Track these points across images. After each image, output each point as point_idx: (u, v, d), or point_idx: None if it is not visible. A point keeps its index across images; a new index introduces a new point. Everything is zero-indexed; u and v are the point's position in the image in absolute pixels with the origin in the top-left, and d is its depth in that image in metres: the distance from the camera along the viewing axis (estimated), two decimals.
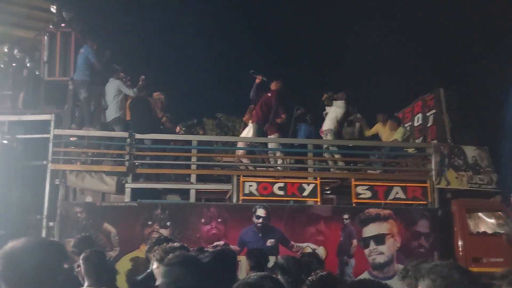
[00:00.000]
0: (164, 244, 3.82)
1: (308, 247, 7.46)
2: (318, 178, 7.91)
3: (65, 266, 2.01)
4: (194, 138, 8.66)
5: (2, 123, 7.85)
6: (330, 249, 7.52)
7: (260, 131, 8.56)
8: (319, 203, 7.84)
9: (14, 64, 8.22)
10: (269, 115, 8.53)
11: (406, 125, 10.09)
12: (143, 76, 8.43)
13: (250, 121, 9.16)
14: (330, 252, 7.50)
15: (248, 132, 9.01)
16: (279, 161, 8.57)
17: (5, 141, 7.51)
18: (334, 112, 8.93)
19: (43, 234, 7.31)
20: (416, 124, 10.22)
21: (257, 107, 8.74)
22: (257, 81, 8.84)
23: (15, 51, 8.29)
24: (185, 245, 3.45)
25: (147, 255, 4.16)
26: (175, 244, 3.38)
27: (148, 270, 4.07)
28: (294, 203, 7.89)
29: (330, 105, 9.13)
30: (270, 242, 7.44)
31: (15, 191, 7.66)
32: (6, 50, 8.30)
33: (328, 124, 8.90)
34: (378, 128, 9.57)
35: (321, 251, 7.43)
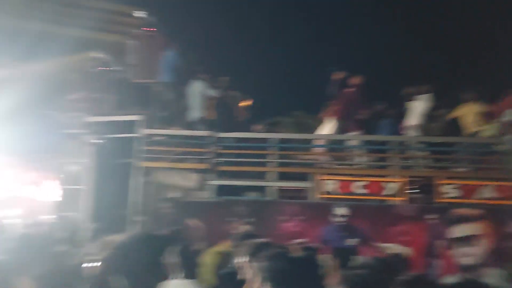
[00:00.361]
0: (251, 240, 3.88)
1: (392, 247, 7.19)
2: (403, 177, 7.60)
3: (177, 260, 2.12)
4: (273, 136, 8.71)
5: (95, 124, 8.44)
6: (415, 250, 7.17)
7: (341, 128, 8.41)
8: (403, 203, 7.54)
9: (104, 68, 8.77)
10: (350, 111, 8.35)
11: (495, 121, 9.40)
12: (225, 77, 8.66)
13: (330, 118, 9.03)
14: (416, 253, 7.17)
15: (328, 128, 8.89)
16: (361, 159, 8.36)
17: (96, 141, 8.05)
18: (418, 106, 8.53)
19: (133, 228, 7.74)
20: (506, 119, 9.48)
21: (338, 103, 8.60)
22: (336, 77, 8.70)
23: (105, 56, 8.85)
24: (271, 241, 3.46)
25: (233, 250, 4.24)
26: (262, 240, 3.41)
27: (234, 265, 4.17)
28: (376, 202, 7.65)
29: (414, 99, 8.74)
30: (351, 241, 7.28)
31: (108, 187, 8.20)
32: (97, 55, 8.88)
33: (413, 119, 8.52)
34: (463, 109, 8.93)
35: (406, 251, 7.13)
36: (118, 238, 2.03)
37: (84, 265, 3.40)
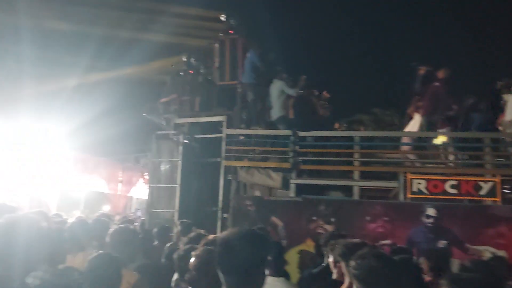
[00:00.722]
0: (343, 240, 3.85)
1: (487, 251, 6.77)
2: (498, 176, 7.12)
3: (269, 258, 2.15)
4: (356, 134, 8.55)
5: (183, 125, 8.85)
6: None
7: (429, 124, 8.05)
8: (499, 203, 7.05)
9: (191, 72, 9.16)
10: (438, 106, 7.96)
11: None
12: (304, 76, 8.64)
13: (416, 114, 8.68)
14: None
15: (414, 125, 8.55)
16: (451, 157, 7.95)
17: (186, 141, 8.43)
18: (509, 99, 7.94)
19: (218, 225, 8.01)
20: None
21: (425, 99, 8.24)
22: (421, 72, 8.35)
23: (192, 60, 9.23)
24: (365, 241, 3.41)
25: (322, 249, 4.24)
26: (355, 240, 3.37)
27: (323, 264, 4.16)
28: (469, 202, 7.23)
29: (508, 93, 8.13)
30: (442, 243, 6.95)
31: (195, 185, 8.56)
32: (184, 59, 9.28)
33: (509, 114, 7.94)
34: None
35: (502, 255, 6.67)
36: (225, 234, 2.09)
37: (179, 260, 3.57)
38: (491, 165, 7.48)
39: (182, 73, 9.34)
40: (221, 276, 1.99)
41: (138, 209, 15.64)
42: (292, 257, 7.23)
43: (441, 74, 8.22)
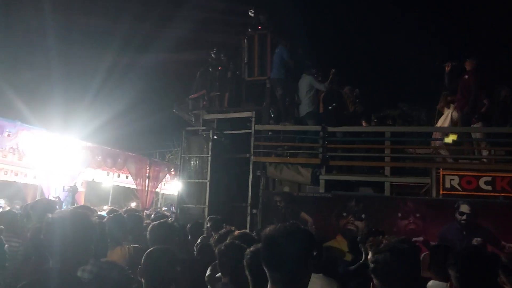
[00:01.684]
0: (380, 236, 3.82)
1: None
2: None
3: (314, 253, 2.15)
4: (386, 129, 8.44)
5: (212, 121, 8.91)
6: None
7: (463, 119, 7.88)
8: None
9: (220, 67, 9.19)
10: (469, 99, 7.78)
11: None
12: (334, 70, 8.57)
13: (446, 109, 8.51)
14: None
15: (444, 121, 8.39)
16: (485, 153, 7.78)
17: (215, 137, 8.48)
18: None
19: (248, 220, 8.05)
20: None
21: (457, 95, 8.07)
22: (447, 69, 8.17)
23: (221, 55, 9.27)
24: (405, 238, 3.36)
25: (358, 246, 4.23)
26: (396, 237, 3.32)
27: (361, 261, 4.15)
28: (504, 199, 7.08)
29: None
30: (476, 240, 6.81)
31: (224, 180, 8.62)
32: (213, 54, 9.32)
33: None
34: None
35: None
36: (269, 230, 2.09)
37: (220, 255, 3.61)
38: None
39: (211, 69, 9.38)
40: (267, 272, 1.98)
41: (172, 204, 15.82)
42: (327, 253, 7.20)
43: (468, 65, 8.03)
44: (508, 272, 3.16)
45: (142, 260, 2.61)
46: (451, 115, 8.36)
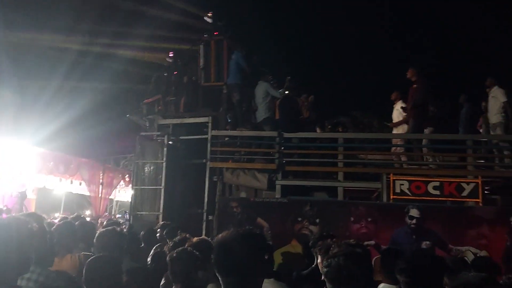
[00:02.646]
0: (329, 239, 3.88)
1: (469, 251, 6.90)
2: (479, 177, 7.27)
3: (266, 257, 2.15)
4: (340, 135, 8.62)
5: (167, 126, 8.78)
6: (494, 254, 6.82)
7: (413, 127, 8.18)
8: (480, 204, 7.20)
9: (175, 73, 9.10)
10: (417, 108, 8.12)
11: None
12: (289, 77, 8.69)
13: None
14: (495, 257, 6.79)
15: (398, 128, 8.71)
16: (434, 158, 8.09)
17: (170, 142, 8.35)
18: (497, 101, 8.09)
19: (204, 227, 7.96)
20: None
21: (407, 103, 8.40)
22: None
23: (177, 60, 9.18)
24: (355, 241, 3.42)
25: (311, 251, 4.25)
26: (351, 241, 3.38)
27: (313, 265, 4.18)
28: (451, 203, 7.37)
29: (493, 93, 8.28)
30: (425, 244, 7.05)
31: (179, 187, 8.50)
32: (169, 59, 9.22)
33: (492, 115, 8.12)
34: None
35: (485, 255, 6.81)
36: (221, 235, 2.08)
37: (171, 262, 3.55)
38: (473, 167, 7.62)
39: (167, 74, 9.27)
40: (219, 277, 1.98)
41: (126, 211, 15.44)
42: (277, 258, 7.23)
43: (410, 74, 8.38)
44: (450, 274, 3.28)
45: (84, 269, 2.52)
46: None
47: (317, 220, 7.49)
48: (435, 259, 2.62)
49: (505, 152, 7.85)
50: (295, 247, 7.34)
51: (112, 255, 3.71)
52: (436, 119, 8.62)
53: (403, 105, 8.79)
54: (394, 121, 9.16)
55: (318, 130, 9.81)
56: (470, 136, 8.07)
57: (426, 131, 8.24)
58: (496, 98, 8.12)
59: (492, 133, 8.12)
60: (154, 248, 5.30)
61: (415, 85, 8.31)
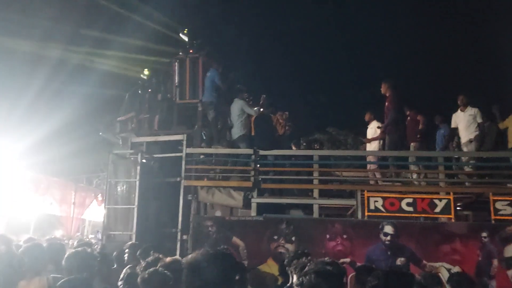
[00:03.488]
0: (304, 258, 3.85)
1: (443, 267, 6.98)
2: (451, 193, 7.39)
3: (237, 277, 2.12)
4: (315, 153, 8.67)
5: (141, 144, 8.66)
6: (467, 269, 6.90)
7: (391, 143, 8.30)
8: (453, 220, 7.31)
9: (150, 90, 9.03)
10: (390, 124, 8.27)
11: None
12: (264, 96, 8.74)
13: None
14: (468, 272, 6.88)
15: (373, 145, 8.83)
16: (408, 175, 8.20)
17: (144, 160, 8.23)
18: (467, 118, 8.30)
19: (178, 246, 7.82)
20: None
21: (384, 119, 8.54)
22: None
23: (151, 77, 9.13)
24: (329, 259, 3.41)
25: (287, 269, 4.22)
26: (325, 259, 3.36)
27: (288, 285, 4.14)
28: (424, 220, 7.46)
29: (464, 111, 8.49)
30: (400, 260, 7.09)
31: (153, 206, 8.35)
32: (143, 77, 9.16)
33: (463, 132, 8.31)
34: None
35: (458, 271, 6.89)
36: (192, 255, 2.04)
37: (143, 283, 3.46)
38: (446, 183, 7.75)
39: (141, 91, 9.18)
40: None
41: (98, 231, 15.07)
42: (253, 277, 7.15)
43: (383, 89, 8.54)
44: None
45: None
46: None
47: (293, 238, 7.46)
48: (405, 276, 2.64)
49: (473, 169, 8.02)
50: (271, 266, 7.29)
51: (81, 277, 3.61)
52: (423, 134, 8.79)
53: (379, 125, 8.92)
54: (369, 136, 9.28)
55: (293, 147, 9.85)
56: (441, 153, 8.23)
57: (412, 146, 8.38)
58: (471, 116, 8.30)
59: (465, 149, 8.29)
60: (125, 269, 5.17)
61: (388, 100, 8.46)
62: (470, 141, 8.17)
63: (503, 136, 8.51)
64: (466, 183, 7.91)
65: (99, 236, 12.51)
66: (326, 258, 3.36)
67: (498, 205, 7.28)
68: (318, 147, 11.42)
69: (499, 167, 8.13)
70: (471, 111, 8.33)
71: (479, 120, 8.23)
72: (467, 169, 8.15)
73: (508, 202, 7.28)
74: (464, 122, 8.34)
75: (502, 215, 7.25)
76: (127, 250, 5.46)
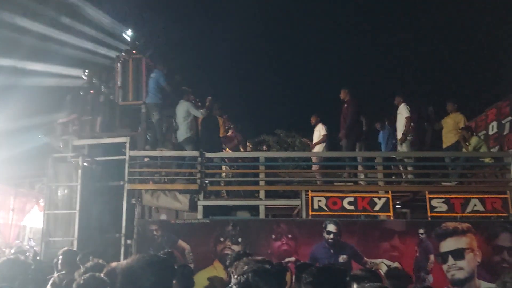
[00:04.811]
0: (245, 258, 3.88)
1: (383, 263, 7.24)
2: (390, 192, 7.70)
3: (174, 281, 2.11)
4: (261, 154, 8.75)
5: (83, 147, 8.37)
6: (405, 265, 7.23)
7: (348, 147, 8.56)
8: (391, 218, 7.62)
9: (92, 91, 8.76)
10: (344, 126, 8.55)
11: (480, 134, 9.62)
12: (210, 97, 8.70)
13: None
14: (406, 268, 7.19)
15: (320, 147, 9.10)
16: (350, 175, 8.46)
17: (85, 164, 7.97)
18: (402, 119, 8.67)
19: (122, 252, 7.64)
20: (491, 132, 9.74)
21: (341, 123, 8.78)
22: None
23: (93, 78, 8.86)
24: (266, 259, 3.46)
25: (228, 270, 4.23)
26: (258, 258, 3.40)
27: (230, 285, 4.15)
28: (365, 218, 7.71)
29: (400, 112, 8.86)
30: (342, 258, 7.30)
31: (95, 210, 8.10)
32: (85, 77, 8.88)
33: (399, 133, 8.68)
34: (446, 121, 9.12)
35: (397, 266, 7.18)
36: (126, 262, 2.01)
37: None
38: (383, 183, 8.06)
39: (82, 92, 8.88)
40: None
41: (31, 238, 14.43)
42: (200, 280, 7.12)
43: (342, 95, 8.79)
44: (358, 281, 3.42)
45: None
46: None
47: (240, 240, 7.49)
48: (338, 272, 2.71)
49: (411, 168, 8.40)
50: (217, 268, 7.28)
51: (13, 286, 3.46)
52: (366, 134, 9.09)
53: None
54: (314, 142, 9.46)
55: (241, 149, 9.89)
56: (379, 153, 8.56)
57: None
58: (401, 114, 8.68)
59: (399, 148, 8.66)
60: (54, 276, 5.04)
61: (347, 105, 8.69)
62: (402, 139, 8.55)
63: (438, 137, 9.00)
64: (403, 182, 8.27)
65: (31, 243, 12.02)
66: (260, 257, 3.43)
67: (434, 202, 7.66)
68: (266, 149, 11.52)
69: (435, 166, 8.59)
70: (400, 109, 8.73)
71: (406, 114, 8.58)
72: (406, 168, 8.51)
73: (443, 199, 7.68)
74: (397, 121, 8.74)
75: (438, 212, 7.64)
76: (60, 257, 5.28)
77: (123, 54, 8.94)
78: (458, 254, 7.22)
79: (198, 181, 7.98)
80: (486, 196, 7.72)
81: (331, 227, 7.35)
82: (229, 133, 9.46)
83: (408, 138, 8.44)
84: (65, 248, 5.71)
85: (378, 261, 7.27)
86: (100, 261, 4.49)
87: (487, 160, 8.69)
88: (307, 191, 7.78)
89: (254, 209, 8.05)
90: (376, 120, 9.87)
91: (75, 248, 7.11)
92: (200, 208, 7.87)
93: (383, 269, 6.91)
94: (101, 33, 9.44)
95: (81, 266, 4.99)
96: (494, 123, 9.62)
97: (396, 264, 7.23)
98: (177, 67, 9.82)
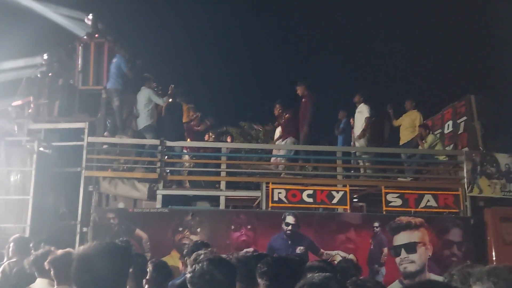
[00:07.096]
0: (203, 248, 3.89)
1: (338, 255, 7.42)
2: (348, 186, 7.88)
3: (131, 270, 2.09)
4: (223, 145, 8.75)
5: (38, 131, 8.10)
6: (360, 257, 7.45)
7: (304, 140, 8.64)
8: (348, 211, 7.80)
9: (50, 74, 8.46)
10: (300, 121, 8.64)
11: (436, 133, 9.96)
12: (173, 85, 8.59)
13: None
14: (361, 260, 7.39)
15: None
16: (309, 168, 8.59)
17: (41, 148, 7.72)
18: (362, 115, 8.87)
19: (77, 239, 7.48)
20: (446, 131, 10.09)
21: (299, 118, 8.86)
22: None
23: (52, 61, 8.55)
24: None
25: (185, 260, 4.23)
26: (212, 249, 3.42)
27: (186, 274, 4.15)
28: (323, 210, 7.87)
29: (360, 108, 9.05)
30: (299, 249, 7.43)
31: (50, 197, 7.88)
32: (43, 60, 8.56)
33: (358, 128, 8.88)
34: (404, 118, 9.38)
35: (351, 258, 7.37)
36: (82, 248, 1.98)
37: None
38: (341, 176, 8.23)
39: (40, 75, 8.57)
40: None
41: None
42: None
43: (299, 90, 8.87)
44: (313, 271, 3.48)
45: None
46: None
47: (198, 230, 7.49)
48: (294, 262, 2.76)
49: (368, 163, 8.63)
50: (174, 257, 7.23)
51: None
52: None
53: (367, 109, 8.99)
54: (276, 136, 9.51)
55: (206, 138, 9.83)
56: (338, 148, 8.73)
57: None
58: (361, 113, 8.90)
59: (357, 144, 8.87)
60: (4, 263, 4.91)
61: (305, 101, 8.76)
62: (359, 135, 8.76)
63: (395, 134, 9.29)
64: (362, 177, 8.48)
65: None
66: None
67: (389, 197, 7.89)
68: (229, 141, 11.51)
69: (391, 162, 8.85)
70: (360, 107, 8.95)
71: (366, 114, 8.81)
72: (362, 163, 8.73)
73: (398, 194, 7.92)
74: (356, 118, 8.96)
75: (392, 206, 7.88)
76: (11, 244, 5.12)
77: (85, 37, 8.68)
78: (411, 247, 7.49)
79: (158, 170, 7.89)
80: (439, 192, 8.02)
81: (289, 219, 7.46)
82: (194, 122, 9.36)
83: (366, 134, 8.67)
84: (17, 235, 5.54)
85: (333, 252, 7.44)
86: (52, 248, 4.38)
87: (441, 157, 9.03)
88: (267, 183, 7.84)
89: (215, 200, 8.04)
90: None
91: (27, 235, 6.91)
92: (159, 197, 7.78)
93: (338, 261, 7.08)
94: (61, 16, 9.11)
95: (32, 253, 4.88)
96: (450, 122, 9.96)
97: (351, 256, 7.43)
98: (139, 53, 9.61)
